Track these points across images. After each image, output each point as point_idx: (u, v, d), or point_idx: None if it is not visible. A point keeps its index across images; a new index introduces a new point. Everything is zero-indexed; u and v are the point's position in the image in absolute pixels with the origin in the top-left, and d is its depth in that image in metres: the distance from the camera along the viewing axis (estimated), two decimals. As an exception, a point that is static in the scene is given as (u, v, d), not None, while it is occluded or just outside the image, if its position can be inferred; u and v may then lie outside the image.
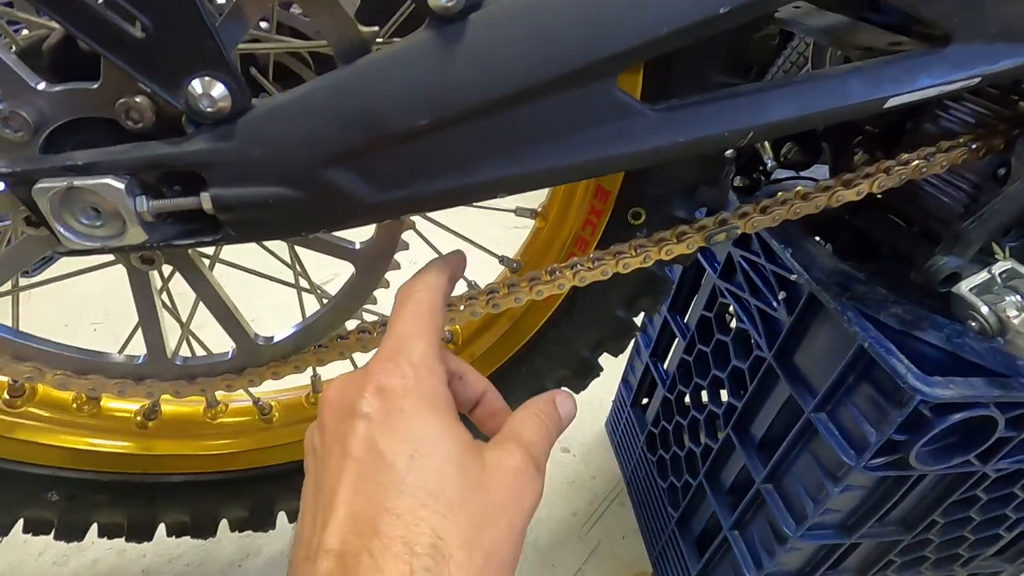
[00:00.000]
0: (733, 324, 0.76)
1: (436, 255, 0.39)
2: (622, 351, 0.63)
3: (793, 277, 0.61)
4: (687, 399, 0.86)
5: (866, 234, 0.70)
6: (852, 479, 0.55)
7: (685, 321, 0.88)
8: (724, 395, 0.78)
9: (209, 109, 0.31)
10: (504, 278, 0.50)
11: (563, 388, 0.61)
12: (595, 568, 0.94)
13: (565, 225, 0.55)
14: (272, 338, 0.47)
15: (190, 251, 0.44)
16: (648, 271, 0.55)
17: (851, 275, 0.60)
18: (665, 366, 0.94)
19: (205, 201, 0.33)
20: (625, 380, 1.09)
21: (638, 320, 0.60)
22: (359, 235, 0.44)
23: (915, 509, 0.63)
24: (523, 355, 0.62)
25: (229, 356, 0.47)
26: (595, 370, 0.62)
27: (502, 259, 0.58)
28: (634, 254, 0.49)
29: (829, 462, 0.57)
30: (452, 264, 0.37)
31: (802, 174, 0.81)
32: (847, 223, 0.75)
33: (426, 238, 0.56)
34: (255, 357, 0.46)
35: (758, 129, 0.38)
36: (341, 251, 0.44)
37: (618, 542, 0.99)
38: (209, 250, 0.50)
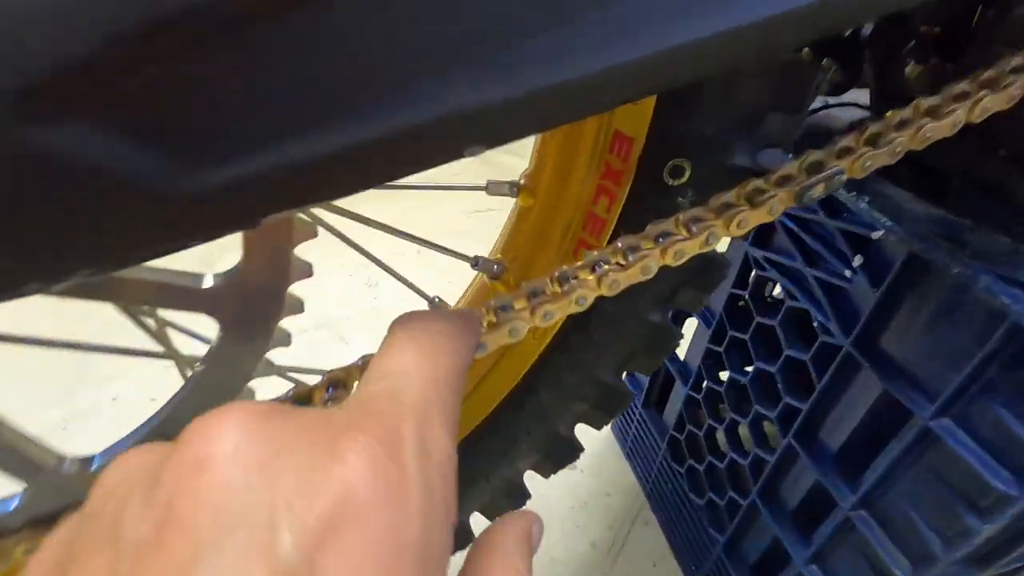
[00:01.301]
0: (775, 300, 0.59)
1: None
2: (654, 368, 0.45)
3: (876, 234, 0.44)
4: (722, 399, 0.69)
5: (927, 168, 0.54)
6: (1006, 508, 0.39)
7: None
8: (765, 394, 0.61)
9: None
10: (483, 294, 0.31)
11: (529, 511, 0.43)
12: (630, 609, 0.78)
13: (566, 198, 0.36)
14: (91, 460, 0.27)
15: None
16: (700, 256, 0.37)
17: (956, 224, 0.43)
18: (683, 358, 0.78)
19: None
20: (631, 374, 0.92)
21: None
22: (210, 261, 0.25)
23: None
24: (523, 391, 0.43)
25: (15, 502, 0.27)
26: (623, 399, 0.44)
27: (476, 262, 0.39)
28: (688, 234, 0.30)
29: (965, 485, 0.41)
30: (475, 323, 0.22)
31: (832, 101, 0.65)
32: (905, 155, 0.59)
33: (354, 243, 0.36)
34: (64, 493, 0.27)
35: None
36: (178, 297, 0.24)
37: (650, 571, 0.83)
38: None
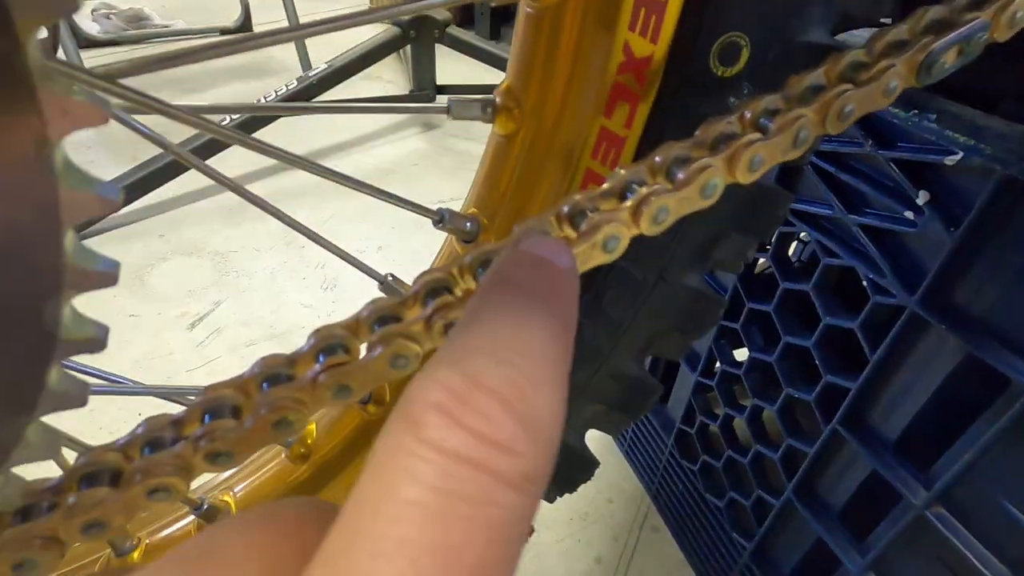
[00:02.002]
0: (804, 263, 0.49)
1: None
2: (686, 350, 0.34)
3: (951, 159, 0.35)
4: (740, 383, 0.60)
5: (973, 92, 0.45)
6: None
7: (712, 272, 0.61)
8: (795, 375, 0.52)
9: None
10: (455, 258, 0.20)
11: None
12: (647, 634, 0.68)
13: (566, 114, 0.25)
14: None
15: None
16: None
17: (1048, 138, 0.34)
18: (688, 340, 0.67)
19: None
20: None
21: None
22: None
23: None
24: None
25: None
26: (649, 393, 0.34)
27: (441, 217, 0.27)
28: (765, 134, 0.20)
29: (1094, 471, 0.32)
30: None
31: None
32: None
33: (281, 212, 0.25)
34: None
35: None
36: None
37: (664, 585, 0.73)
38: None
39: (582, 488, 0.83)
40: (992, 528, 0.38)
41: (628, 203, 0.19)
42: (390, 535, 0.09)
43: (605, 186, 0.20)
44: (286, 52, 1.99)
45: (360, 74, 1.50)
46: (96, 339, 0.14)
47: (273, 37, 0.20)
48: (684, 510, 0.73)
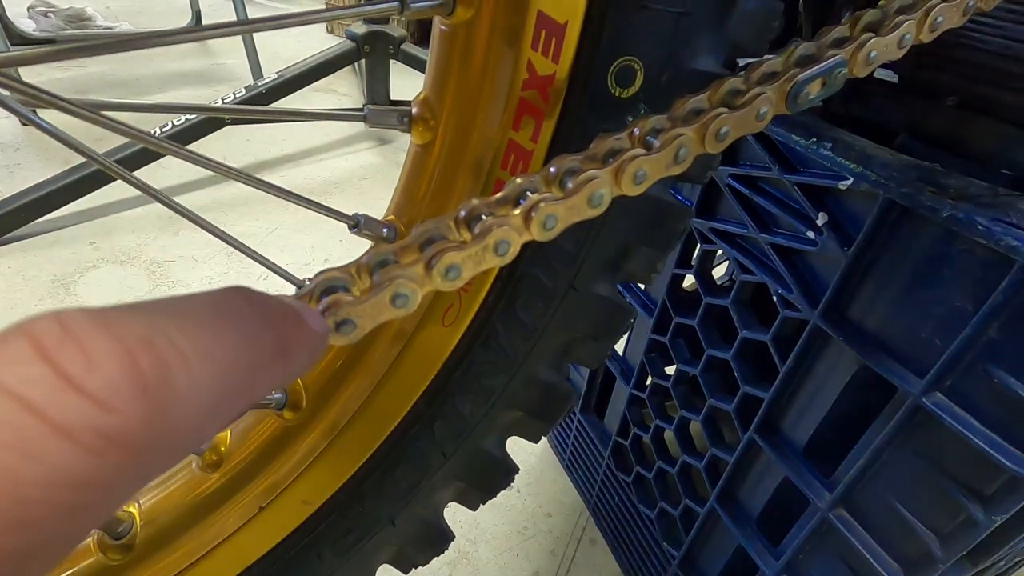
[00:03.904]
0: (722, 277, 0.52)
1: None
2: (602, 358, 0.36)
3: (844, 184, 0.38)
4: (669, 395, 0.62)
5: (871, 124, 0.50)
6: (1017, 493, 0.33)
7: (645, 289, 0.63)
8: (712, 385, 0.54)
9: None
10: (358, 258, 0.20)
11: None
12: (581, 647, 0.68)
13: (478, 127, 0.26)
14: None
15: None
16: (652, 198, 0.28)
17: (927, 169, 0.38)
18: (624, 353, 0.70)
19: None
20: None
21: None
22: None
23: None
24: (435, 400, 0.32)
25: None
26: (565, 400, 0.35)
27: (357, 222, 0.28)
28: (649, 150, 0.21)
29: (966, 470, 0.35)
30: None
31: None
32: (839, 116, 0.55)
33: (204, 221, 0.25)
34: None
35: None
36: None
37: (600, 597, 0.74)
38: None
39: (522, 502, 0.83)
40: (886, 528, 0.41)
41: (519, 209, 0.20)
42: None
43: (501, 193, 0.21)
44: (238, 60, 1.95)
45: (314, 86, 1.49)
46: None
47: (229, 30, 0.20)
48: (619, 522, 0.74)
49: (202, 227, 0.29)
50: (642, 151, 0.21)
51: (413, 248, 0.20)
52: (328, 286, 0.19)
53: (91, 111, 0.21)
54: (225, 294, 0.12)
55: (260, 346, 0.12)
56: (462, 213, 0.20)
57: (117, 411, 0.09)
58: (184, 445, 0.10)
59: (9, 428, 0.08)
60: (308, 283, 0.20)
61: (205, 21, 2.28)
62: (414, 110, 0.28)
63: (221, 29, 0.22)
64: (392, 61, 1.57)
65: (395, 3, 0.23)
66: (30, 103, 0.23)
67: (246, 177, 0.28)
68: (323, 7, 2.64)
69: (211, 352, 0.10)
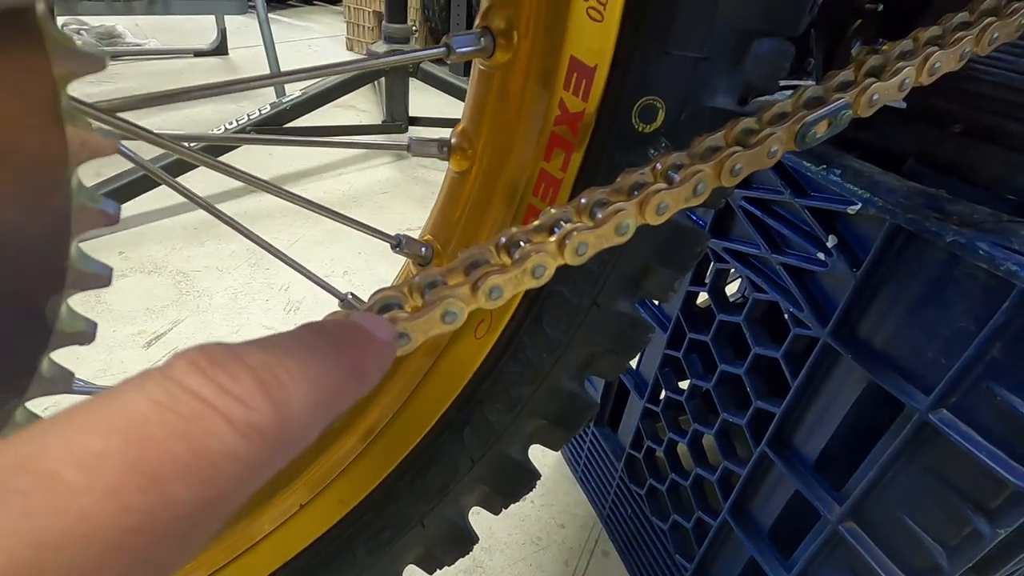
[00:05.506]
0: (735, 294, 0.54)
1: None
2: (621, 370, 0.38)
3: (852, 209, 0.40)
4: (683, 410, 0.63)
5: (879, 151, 0.52)
6: (1022, 506, 0.34)
7: (659, 304, 0.65)
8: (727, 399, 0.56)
9: None
10: (410, 279, 0.22)
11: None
12: (594, 657, 0.69)
13: (513, 157, 0.29)
14: None
15: None
16: (671, 223, 0.30)
17: (934, 195, 0.39)
18: (638, 368, 0.71)
19: None
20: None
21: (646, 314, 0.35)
22: None
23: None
24: (465, 408, 0.35)
25: None
26: (586, 410, 0.37)
27: (399, 242, 0.30)
28: (671, 184, 0.24)
29: (972, 484, 0.36)
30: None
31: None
32: (851, 142, 0.57)
33: (248, 230, 0.27)
34: None
35: None
36: None
37: (613, 608, 0.75)
38: None
39: (536, 512, 0.85)
40: (895, 540, 0.42)
41: (554, 237, 0.22)
42: (100, 424, 0.10)
43: (536, 222, 0.23)
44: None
45: (334, 102, 1.54)
46: (86, 333, 0.16)
47: (266, 81, 0.23)
48: (632, 534, 0.76)
49: (239, 231, 0.32)
50: (664, 185, 0.23)
51: (459, 271, 0.22)
52: (385, 303, 0.22)
53: (175, 143, 0.24)
54: (302, 331, 0.15)
55: (338, 367, 0.15)
56: (502, 240, 0.23)
57: (256, 410, 0.12)
58: (296, 445, 0.13)
59: (196, 416, 0.11)
60: (358, 300, 0.22)
61: (230, 39, 2.36)
62: (453, 140, 0.30)
63: (267, 81, 0.25)
64: (411, 79, 1.62)
65: (442, 49, 0.25)
66: (112, 135, 0.25)
67: (296, 198, 0.31)
68: (343, 25, 2.72)
69: (305, 374, 0.13)
